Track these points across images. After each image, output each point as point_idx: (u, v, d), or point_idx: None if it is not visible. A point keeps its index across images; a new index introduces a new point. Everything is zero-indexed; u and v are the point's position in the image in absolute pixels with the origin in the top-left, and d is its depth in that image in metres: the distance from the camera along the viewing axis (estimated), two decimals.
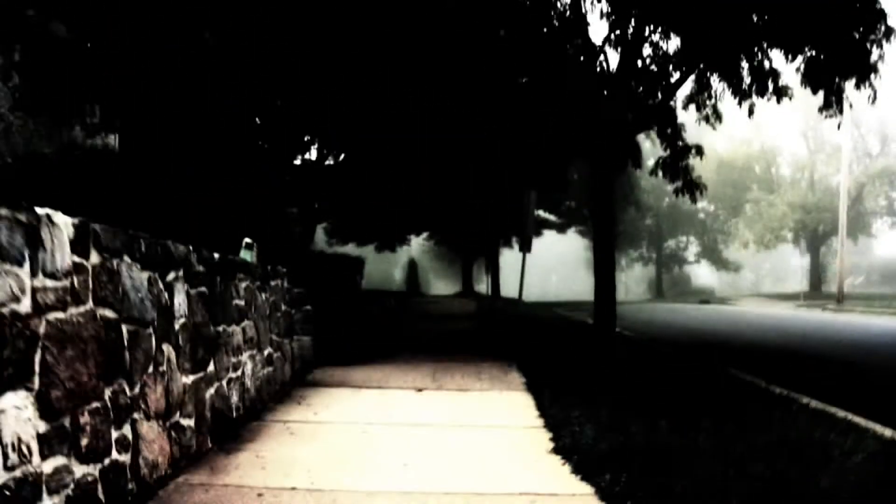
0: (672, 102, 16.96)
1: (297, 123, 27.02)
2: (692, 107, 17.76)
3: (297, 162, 30.87)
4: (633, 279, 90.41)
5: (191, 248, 5.67)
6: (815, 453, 5.54)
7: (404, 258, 64.50)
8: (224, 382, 6.39)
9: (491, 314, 23.34)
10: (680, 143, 16.81)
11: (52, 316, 3.55)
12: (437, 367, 10.59)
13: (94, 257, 4.04)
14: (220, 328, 6.33)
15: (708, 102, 17.55)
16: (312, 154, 31.83)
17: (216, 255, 6.28)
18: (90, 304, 3.97)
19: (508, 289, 47.18)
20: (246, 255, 8.21)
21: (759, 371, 10.77)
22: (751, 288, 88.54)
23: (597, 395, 7.91)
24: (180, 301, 5.40)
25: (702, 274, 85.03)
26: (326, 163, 32.16)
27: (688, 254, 75.45)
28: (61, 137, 14.77)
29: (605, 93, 15.71)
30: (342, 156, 32.32)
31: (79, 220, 3.86)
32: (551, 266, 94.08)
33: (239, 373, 6.82)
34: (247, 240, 8.34)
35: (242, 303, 7.05)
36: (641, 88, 16.46)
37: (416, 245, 60.04)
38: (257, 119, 25.70)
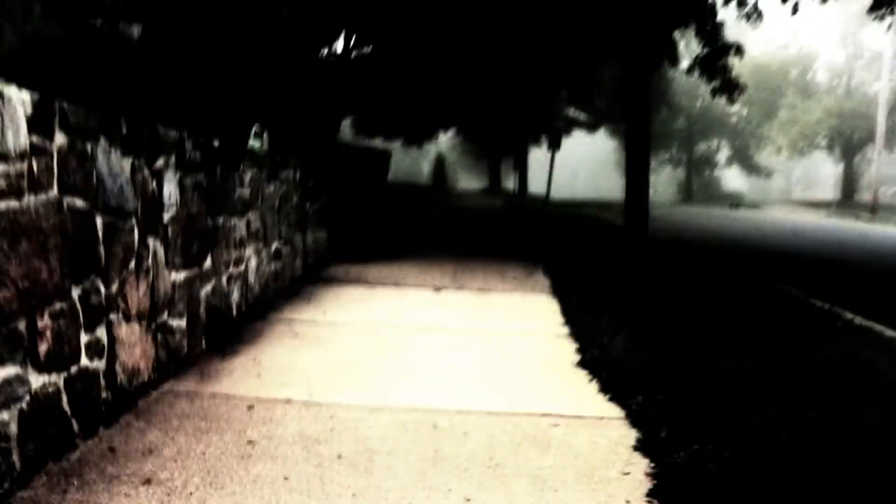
0: None
1: (325, 12, 26.25)
2: (732, 4, 16.88)
3: (325, 54, 30.21)
4: (662, 181, 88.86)
5: (185, 132, 5.12)
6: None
7: (433, 153, 63.70)
8: (223, 279, 5.90)
9: (517, 211, 22.69)
10: (719, 41, 16.01)
11: (2, 204, 3.01)
12: (459, 265, 10.08)
13: (60, 138, 3.47)
14: (220, 220, 5.81)
15: None
16: (339, 47, 31.12)
17: (216, 142, 5.72)
18: (54, 192, 3.42)
19: (536, 187, 46.51)
20: (255, 143, 7.66)
21: (799, 283, 10.23)
22: (781, 194, 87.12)
23: (627, 304, 7.40)
24: (170, 190, 4.86)
25: (732, 178, 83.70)
26: (353, 55, 31.43)
27: (719, 157, 74.02)
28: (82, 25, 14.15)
29: None
30: (369, 48, 31.52)
31: (38, 95, 3.29)
32: (579, 166, 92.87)
33: (241, 268, 6.33)
34: (256, 128, 7.77)
35: (247, 193, 6.51)
36: None
37: (445, 140, 59.14)
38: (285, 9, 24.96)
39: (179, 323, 4.97)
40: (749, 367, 5.14)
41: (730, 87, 15.98)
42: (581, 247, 13.00)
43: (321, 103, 24.16)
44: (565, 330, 6.48)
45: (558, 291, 8.34)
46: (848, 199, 56.60)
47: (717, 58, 15.84)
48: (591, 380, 4.96)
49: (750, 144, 68.85)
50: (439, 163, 53.95)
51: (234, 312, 6.12)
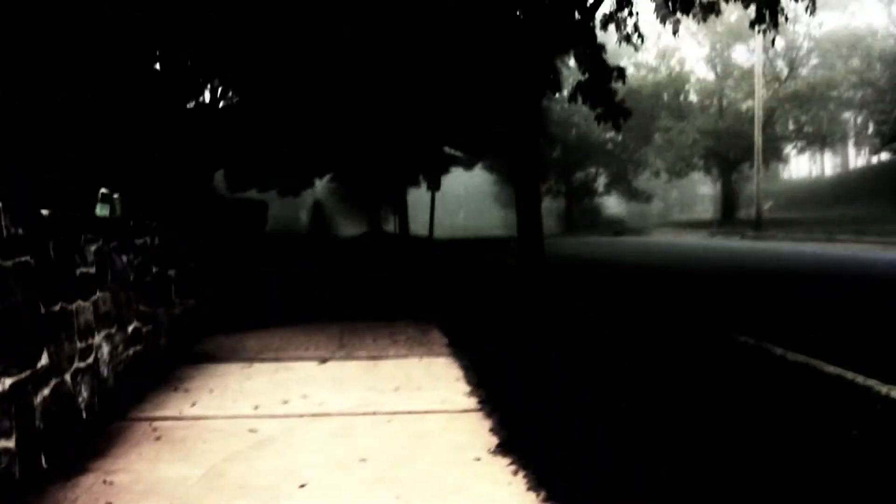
0: (591, 23, 15.75)
1: (193, 66, 25.25)
2: (611, 27, 16.62)
3: (191, 106, 29.09)
4: (542, 213, 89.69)
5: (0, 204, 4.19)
6: None
7: (310, 201, 62.66)
8: (68, 376, 4.94)
9: (400, 257, 21.92)
10: (601, 66, 15.62)
11: None
12: (345, 327, 9.26)
13: None
14: (58, 307, 4.86)
15: (629, 20, 16.40)
16: (206, 98, 30.02)
17: (45, 212, 4.79)
18: None
19: (417, 227, 46.01)
20: (102, 210, 6.70)
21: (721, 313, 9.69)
22: (660, 217, 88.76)
23: (539, 355, 6.66)
24: None
25: (611, 205, 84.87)
26: (220, 105, 30.37)
27: (597, 185, 74.88)
28: None
29: (519, 14, 14.42)
30: (236, 98, 30.50)
31: None
32: (459, 201, 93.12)
33: (90, 360, 5.36)
34: (103, 190, 6.81)
35: (93, 270, 5.56)
36: (558, 7, 15.22)
37: (322, 187, 58.32)
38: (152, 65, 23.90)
39: (6, 444, 4.00)
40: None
41: (615, 113, 15.59)
42: (474, 291, 12.27)
43: (188, 156, 23.10)
44: (473, 401, 5.70)
45: (457, 350, 7.58)
46: (728, 217, 57.83)
47: (600, 83, 15.44)
48: (515, 471, 4.16)
49: (628, 170, 69.84)
50: (317, 210, 53.01)
51: (85, 415, 5.15)
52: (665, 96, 63.82)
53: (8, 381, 4.09)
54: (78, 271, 5.29)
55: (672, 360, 6.48)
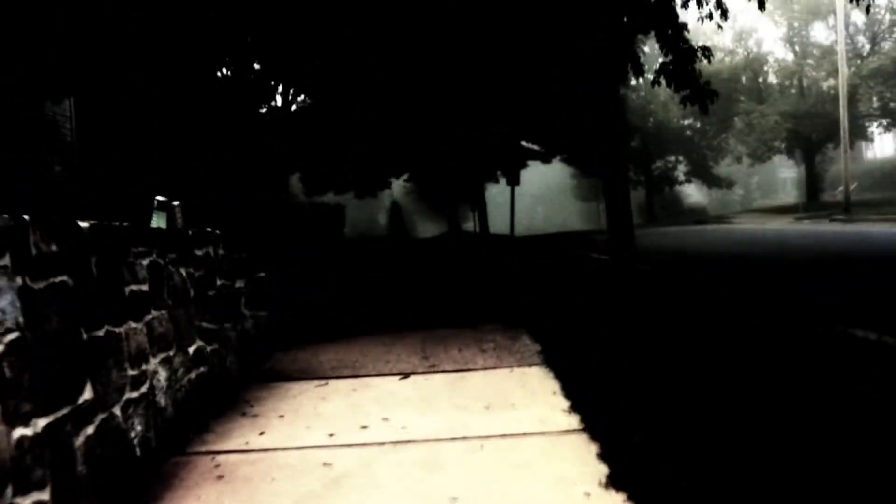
0: (672, 1, 14.91)
1: (264, 68, 24.98)
2: (692, 4, 15.73)
3: (263, 111, 28.82)
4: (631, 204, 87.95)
5: (26, 218, 3.62)
6: None
7: (388, 202, 62.43)
8: (117, 410, 4.37)
9: (482, 257, 21.21)
10: (684, 46, 14.75)
11: None
12: (427, 335, 8.59)
13: None
14: (103, 331, 4.29)
15: None
16: (278, 101, 29.73)
17: (84, 224, 4.23)
18: None
19: (496, 225, 45.32)
20: (159, 219, 6.15)
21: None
22: (742, 203, 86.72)
23: (645, 364, 5.94)
24: (3, 307, 3.35)
25: (690, 193, 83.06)
26: (293, 108, 30.06)
27: (677, 173, 73.24)
28: None
29: None
30: (308, 100, 30.17)
31: None
32: (537, 197, 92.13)
33: (144, 388, 4.79)
34: (159, 198, 6.25)
35: (145, 287, 5.00)
36: None
37: (398, 188, 58.01)
38: (222, 70, 23.66)
39: (39, 497, 3.43)
40: None
41: (700, 95, 14.67)
42: (565, 291, 11.53)
43: (261, 161, 22.81)
44: (574, 420, 5.00)
45: (551, 359, 6.87)
46: (813, 200, 55.95)
47: (684, 64, 14.56)
48: None
49: (707, 157, 68.14)
50: (395, 212, 52.66)
51: (139, 451, 4.57)
52: (743, 79, 62.02)
53: (41, 423, 3.52)
54: (127, 289, 4.72)
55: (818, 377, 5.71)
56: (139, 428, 4.62)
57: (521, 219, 56.21)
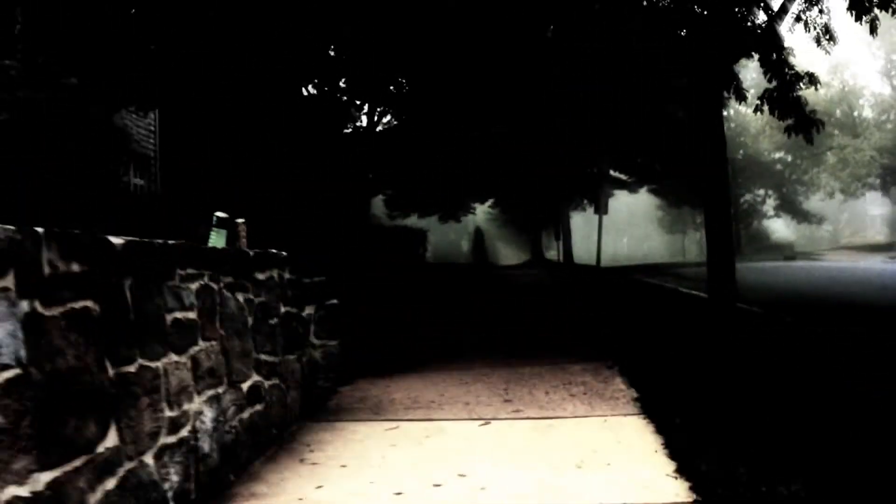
0: (779, 24, 14.03)
1: (350, 86, 24.64)
2: (798, 27, 14.82)
3: (348, 131, 28.49)
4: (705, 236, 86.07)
5: (40, 230, 3.01)
6: None
7: (471, 227, 61.85)
8: (149, 458, 3.73)
9: (569, 288, 20.36)
10: (788, 72, 13.87)
11: None
12: (510, 373, 7.85)
13: None
14: (135, 366, 3.67)
15: (818, 20, 14.58)
16: (363, 122, 29.37)
17: (118, 240, 3.62)
18: None
19: (579, 254, 44.42)
20: (218, 238, 5.55)
21: None
22: (830, 240, 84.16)
23: (768, 424, 5.14)
24: (2, 337, 2.74)
25: (777, 228, 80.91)
26: (378, 129, 29.66)
27: (766, 207, 71.23)
28: None
29: (702, 11, 12.86)
30: (393, 121, 29.76)
31: None
32: (621, 227, 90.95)
33: (185, 432, 4.15)
34: (219, 214, 5.64)
35: (192, 315, 4.37)
36: (737, 8, 13.62)
37: (482, 213, 57.44)
38: (307, 89, 23.36)
39: None
40: None
41: (806, 124, 13.73)
42: (662, 331, 10.66)
43: (342, 181, 22.39)
44: (682, 487, 4.22)
45: (650, 408, 6.06)
46: None
47: (789, 90, 13.66)
48: None
49: (797, 191, 66.25)
50: (478, 237, 51.98)
51: None
52: (838, 112, 60.16)
53: (43, 479, 2.89)
54: (170, 317, 4.10)
55: None
56: (175, 478, 3.98)
57: (605, 248, 55.17)
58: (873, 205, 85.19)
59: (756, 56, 14.14)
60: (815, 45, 14.86)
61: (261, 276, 5.63)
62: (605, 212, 20.39)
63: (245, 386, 5.12)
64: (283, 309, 6.08)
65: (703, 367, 7.60)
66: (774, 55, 13.85)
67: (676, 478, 4.40)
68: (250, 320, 5.33)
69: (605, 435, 5.42)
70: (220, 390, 4.67)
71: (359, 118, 28.65)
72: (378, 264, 13.92)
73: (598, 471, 4.62)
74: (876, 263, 36.16)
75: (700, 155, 13.68)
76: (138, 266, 3.78)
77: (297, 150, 19.87)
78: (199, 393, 4.36)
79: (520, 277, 27.88)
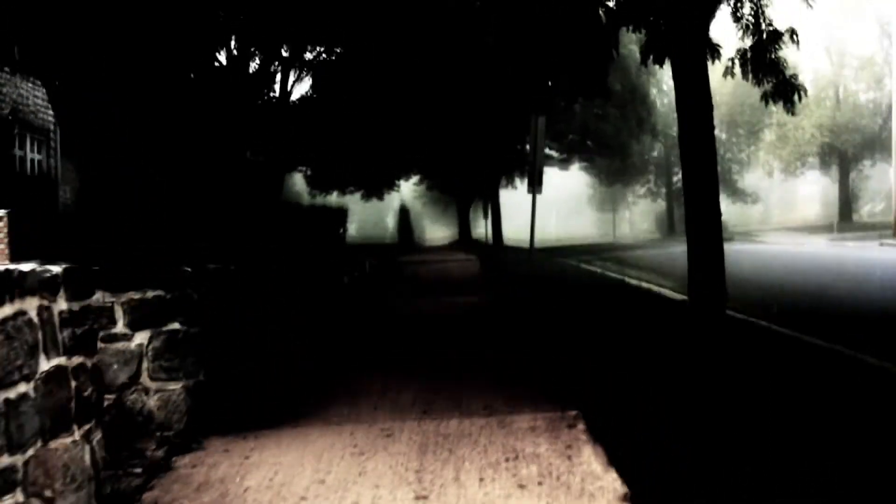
0: None
1: (262, 52, 22.31)
2: None
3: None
4: (637, 215, 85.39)
5: None
6: None
7: (396, 205, 59.69)
8: None
9: (506, 284, 17.72)
10: (767, 27, 11.84)
11: None
12: (427, 431, 5.42)
13: None
14: None
15: None
16: (276, 91, 26.90)
17: None
18: None
19: (507, 233, 42.51)
20: None
21: None
22: (760, 220, 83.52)
23: None
24: None
25: None
26: (292, 99, 27.16)
27: None
28: None
29: None
30: (309, 90, 27.37)
31: None
32: (550, 205, 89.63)
33: None
34: None
35: None
36: None
37: (408, 190, 55.37)
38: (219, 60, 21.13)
39: None
40: None
41: (785, 90, 11.69)
42: (639, 354, 8.22)
43: (254, 156, 20.19)
44: None
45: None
46: (846, 219, 52.66)
47: (766, 50, 11.63)
48: None
49: (732, 169, 65.05)
50: (403, 215, 49.62)
51: None
52: None
53: None
54: None
55: None
56: None
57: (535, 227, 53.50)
58: (804, 183, 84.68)
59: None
60: None
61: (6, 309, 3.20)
62: (540, 190, 18.25)
63: None
64: (44, 365, 3.60)
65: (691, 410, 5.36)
66: (751, 4, 11.89)
67: None
68: None
69: None
70: None
71: (272, 88, 26.12)
72: (287, 249, 11.73)
73: None
74: (822, 246, 34.55)
75: (681, 124, 11.55)
76: None
77: (205, 125, 17.65)
78: None
79: (445, 262, 25.48)
